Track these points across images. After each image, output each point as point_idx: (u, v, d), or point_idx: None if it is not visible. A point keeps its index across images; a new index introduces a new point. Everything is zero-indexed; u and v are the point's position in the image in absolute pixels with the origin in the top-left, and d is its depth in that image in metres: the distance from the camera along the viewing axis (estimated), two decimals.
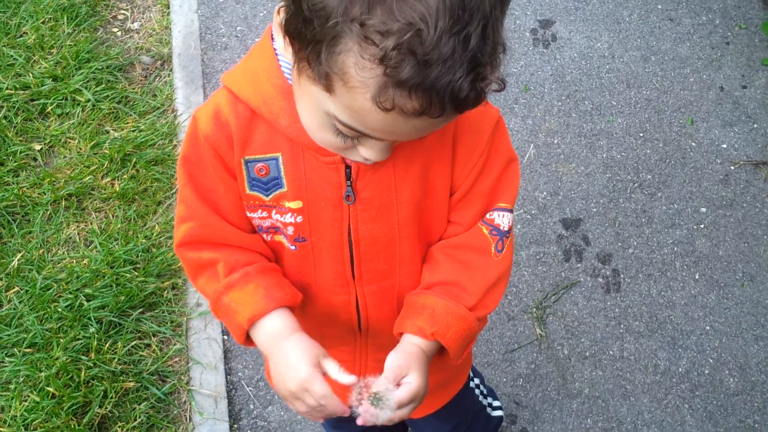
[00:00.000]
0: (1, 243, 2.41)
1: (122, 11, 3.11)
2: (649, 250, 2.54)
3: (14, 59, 2.81)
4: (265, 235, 1.18)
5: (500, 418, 1.90)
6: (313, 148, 1.04)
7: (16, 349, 2.17)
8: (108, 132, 2.67)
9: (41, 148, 2.63)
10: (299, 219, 1.12)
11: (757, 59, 3.03)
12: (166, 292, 2.34)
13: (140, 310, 2.28)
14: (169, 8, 3.09)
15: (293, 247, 1.16)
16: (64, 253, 2.39)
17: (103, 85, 2.78)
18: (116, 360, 2.17)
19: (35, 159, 2.61)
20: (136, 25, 3.06)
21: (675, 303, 2.44)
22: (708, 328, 2.40)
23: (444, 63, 0.79)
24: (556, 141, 2.78)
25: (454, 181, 1.14)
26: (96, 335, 2.19)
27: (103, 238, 2.40)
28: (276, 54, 1.03)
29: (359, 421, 1.05)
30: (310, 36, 0.83)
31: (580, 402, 2.25)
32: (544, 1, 3.18)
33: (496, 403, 1.89)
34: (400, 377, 1.06)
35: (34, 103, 2.73)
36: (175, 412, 2.16)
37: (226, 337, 2.30)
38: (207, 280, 1.16)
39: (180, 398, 2.19)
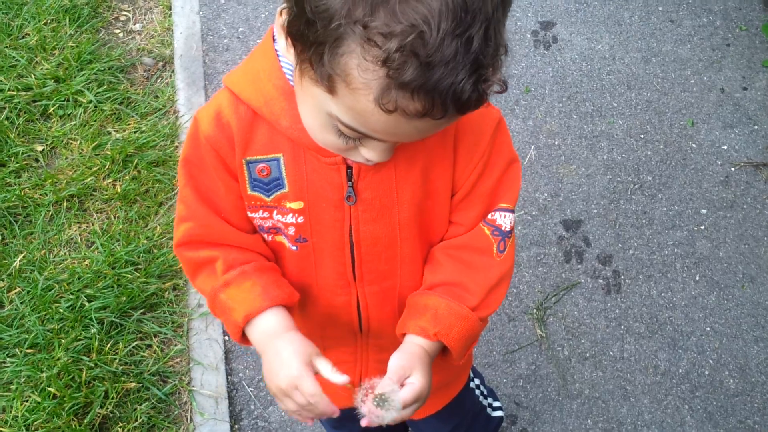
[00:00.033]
0: (3, 244, 2.42)
1: (124, 13, 3.11)
2: (649, 251, 2.55)
3: (16, 60, 2.82)
4: (266, 236, 1.18)
5: (500, 418, 1.90)
6: (314, 148, 1.05)
7: (17, 350, 2.18)
8: (110, 133, 2.68)
9: (43, 149, 2.63)
10: (300, 219, 1.12)
11: (758, 61, 3.03)
12: (167, 292, 2.34)
13: (141, 310, 2.29)
14: (170, 10, 3.10)
15: (294, 248, 1.17)
16: (65, 253, 2.40)
17: (105, 87, 2.78)
18: (117, 360, 2.18)
19: (37, 160, 2.61)
20: (137, 27, 3.07)
21: (675, 304, 2.44)
22: (708, 329, 2.40)
23: (446, 65, 0.79)
24: (556, 142, 2.78)
25: (456, 182, 1.14)
26: (97, 336, 2.19)
27: (105, 239, 2.40)
28: (277, 55, 1.03)
29: (364, 423, 1.05)
30: (313, 38, 0.83)
31: (580, 403, 2.26)
32: (545, 2, 3.18)
33: (496, 404, 1.89)
34: (403, 378, 1.06)
35: (36, 104, 2.73)
36: (176, 412, 2.16)
37: (227, 337, 2.30)
38: (205, 278, 1.17)
39: (181, 399, 2.19)
